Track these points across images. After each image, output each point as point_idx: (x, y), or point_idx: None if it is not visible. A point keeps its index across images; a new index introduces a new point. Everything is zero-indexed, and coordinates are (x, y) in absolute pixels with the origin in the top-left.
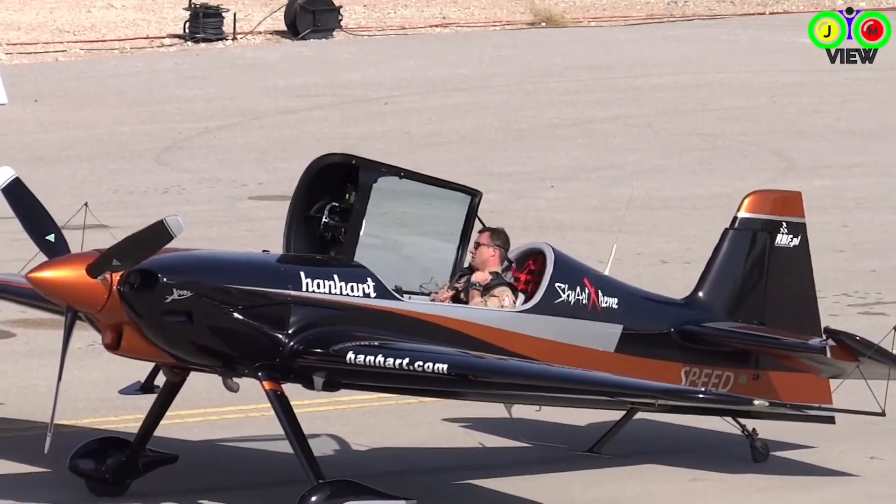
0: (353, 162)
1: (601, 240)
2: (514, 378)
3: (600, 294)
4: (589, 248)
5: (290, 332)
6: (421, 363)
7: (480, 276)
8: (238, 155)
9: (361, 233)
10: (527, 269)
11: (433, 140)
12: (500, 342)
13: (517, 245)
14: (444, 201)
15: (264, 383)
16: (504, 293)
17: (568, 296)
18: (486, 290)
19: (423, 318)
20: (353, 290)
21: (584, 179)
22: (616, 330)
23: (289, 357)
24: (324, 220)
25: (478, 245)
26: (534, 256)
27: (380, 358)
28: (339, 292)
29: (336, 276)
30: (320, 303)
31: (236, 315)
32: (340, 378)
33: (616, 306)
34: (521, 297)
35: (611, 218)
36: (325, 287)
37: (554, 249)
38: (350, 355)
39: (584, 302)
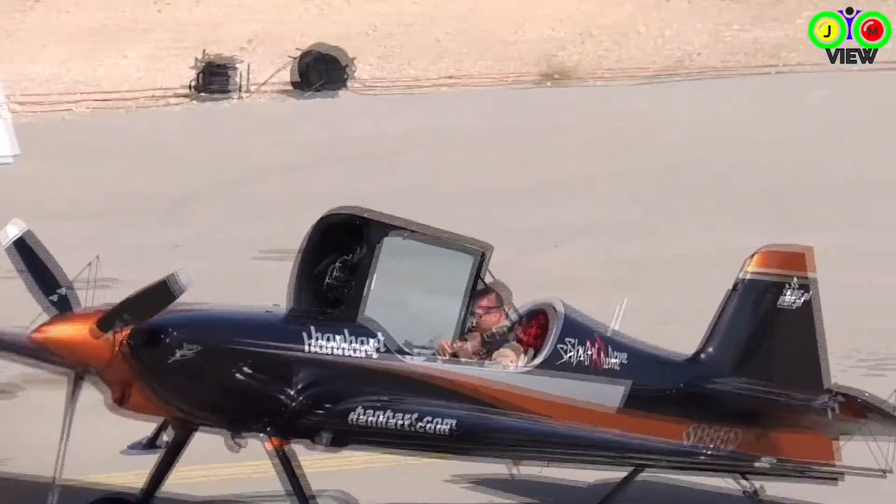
0: (362, 218)
1: (608, 296)
2: (519, 437)
3: (608, 351)
4: (596, 305)
5: (296, 389)
6: (427, 422)
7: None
8: (246, 210)
9: (368, 290)
10: (536, 324)
11: (442, 195)
12: (507, 400)
13: (525, 302)
14: (451, 258)
15: (271, 440)
16: (512, 352)
17: (575, 353)
18: (492, 344)
19: (430, 376)
20: (359, 348)
21: (593, 235)
22: (623, 387)
23: (294, 415)
24: (332, 275)
25: (481, 312)
26: (543, 312)
27: (385, 416)
28: (344, 350)
29: (342, 334)
30: (326, 361)
31: (242, 372)
32: (346, 436)
33: (623, 363)
34: (530, 352)
35: (618, 274)
36: (331, 345)
37: (564, 305)
38: (356, 414)
39: (592, 359)
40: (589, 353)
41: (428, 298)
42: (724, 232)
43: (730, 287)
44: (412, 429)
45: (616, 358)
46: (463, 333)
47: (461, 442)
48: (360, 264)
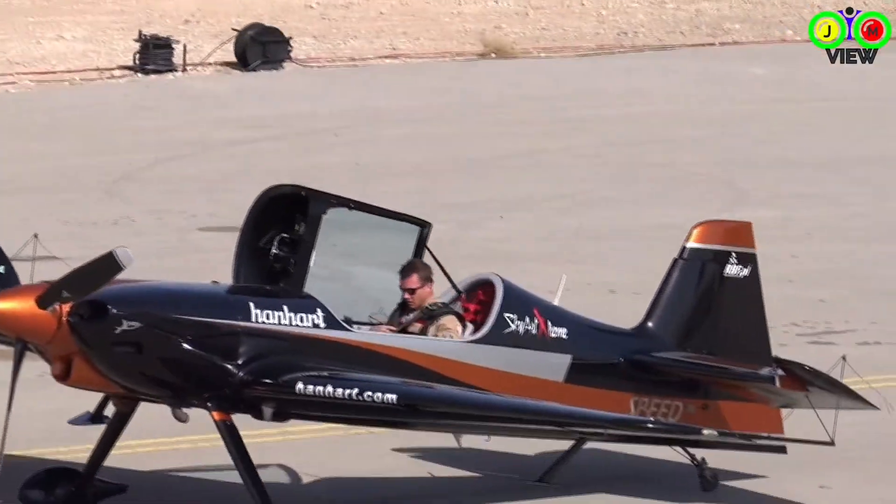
0: (303, 193)
1: (550, 270)
2: (462, 408)
3: (550, 324)
4: (538, 279)
5: (239, 362)
6: (370, 393)
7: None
8: (188, 186)
9: (311, 264)
10: (476, 299)
11: (383, 171)
12: (450, 372)
13: (466, 276)
14: (393, 232)
15: (214, 413)
16: (452, 323)
17: (517, 326)
18: (432, 317)
19: (373, 348)
20: (302, 321)
21: (534, 210)
22: (565, 360)
23: (238, 387)
24: (273, 251)
25: (411, 291)
26: (483, 287)
27: (329, 388)
28: (288, 323)
29: (285, 307)
30: (270, 333)
31: (186, 346)
32: (290, 408)
33: (565, 336)
34: (470, 326)
35: (560, 248)
36: (274, 318)
37: (503, 280)
38: (299, 385)
39: (534, 332)
40: (530, 326)
41: (371, 271)
42: (666, 206)
43: (675, 256)
44: (356, 400)
45: (558, 331)
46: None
47: (404, 413)
48: (303, 238)
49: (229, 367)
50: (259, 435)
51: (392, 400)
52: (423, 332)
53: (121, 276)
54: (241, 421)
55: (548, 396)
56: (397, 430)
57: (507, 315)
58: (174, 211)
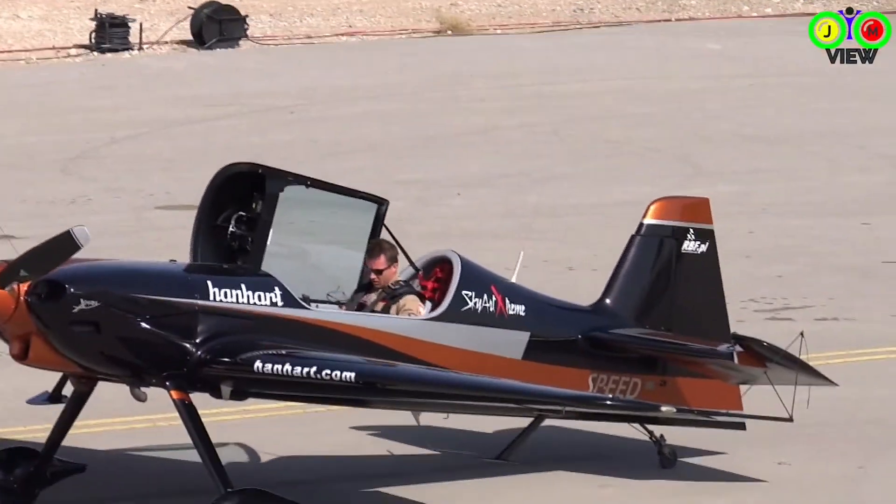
0: (260, 171)
1: (508, 247)
2: (421, 386)
3: (507, 301)
4: (495, 256)
5: (197, 341)
6: (328, 371)
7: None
8: (145, 165)
9: (268, 242)
10: (434, 276)
11: (340, 148)
12: (408, 350)
13: (423, 253)
14: (351, 210)
15: (172, 392)
16: (413, 303)
17: (475, 303)
18: (394, 296)
19: (331, 326)
20: (260, 300)
21: (491, 187)
22: (523, 337)
23: (196, 366)
24: (230, 229)
25: (378, 272)
26: (440, 264)
27: (287, 367)
28: (246, 301)
29: (243, 286)
30: (228, 312)
31: (144, 325)
32: (248, 387)
33: (523, 313)
34: (429, 304)
35: (517, 225)
36: (232, 296)
37: (460, 257)
38: (257, 364)
39: (491, 309)
40: (487, 303)
41: (329, 249)
42: (623, 183)
43: (632, 232)
44: (314, 378)
45: (516, 308)
46: (363, 290)
47: (363, 391)
48: (261, 216)
49: (187, 345)
50: (217, 413)
51: (350, 378)
52: (385, 311)
53: (78, 254)
54: (200, 400)
55: (506, 374)
56: (356, 409)
57: (464, 292)
58: (131, 189)
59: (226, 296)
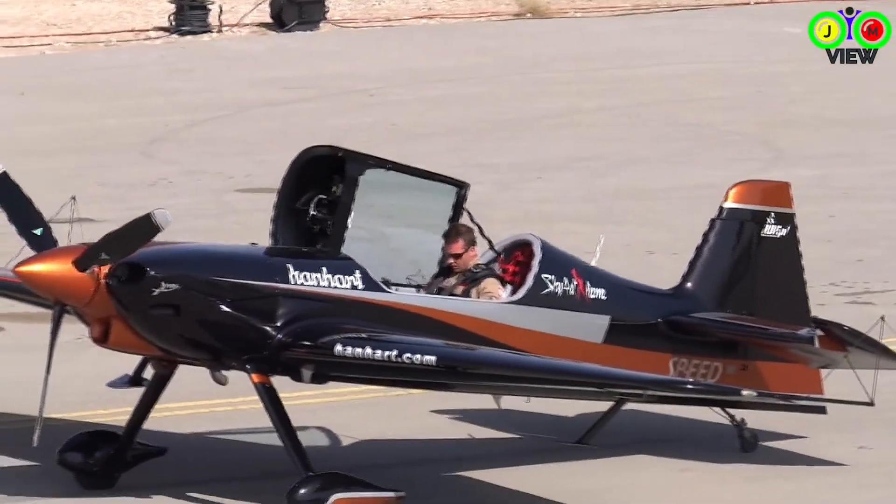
0: (340, 154)
1: (588, 231)
2: (502, 369)
3: (588, 285)
4: (576, 240)
5: (278, 324)
6: (409, 355)
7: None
8: (225, 147)
9: (348, 225)
10: (514, 260)
11: (419, 131)
12: (488, 333)
13: (504, 237)
14: (431, 193)
15: (253, 376)
16: (493, 286)
17: (556, 287)
18: (474, 280)
19: (411, 310)
20: (340, 283)
21: (571, 170)
22: (604, 321)
23: (277, 350)
24: (311, 212)
25: (456, 255)
26: (521, 248)
27: (368, 350)
28: (326, 284)
29: (324, 269)
30: (308, 295)
31: (224, 308)
32: (328, 370)
33: (603, 297)
34: (509, 288)
35: (597, 209)
36: (312, 279)
37: (541, 241)
38: (338, 347)
39: (572, 293)
40: (568, 287)
41: (409, 232)
42: (703, 167)
43: (713, 216)
44: (395, 362)
45: (596, 291)
46: (442, 273)
47: (444, 375)
48: (341, 199)
49: (268, 329)
50: (298, 397)
51: (431, 362)
52: (465, 294)
53: (158, 238)
54: (281, 383)
55: (587, 357)
56: (437, 392)
57: (545, 276)
58: (211, 172)
59: (306, 279)
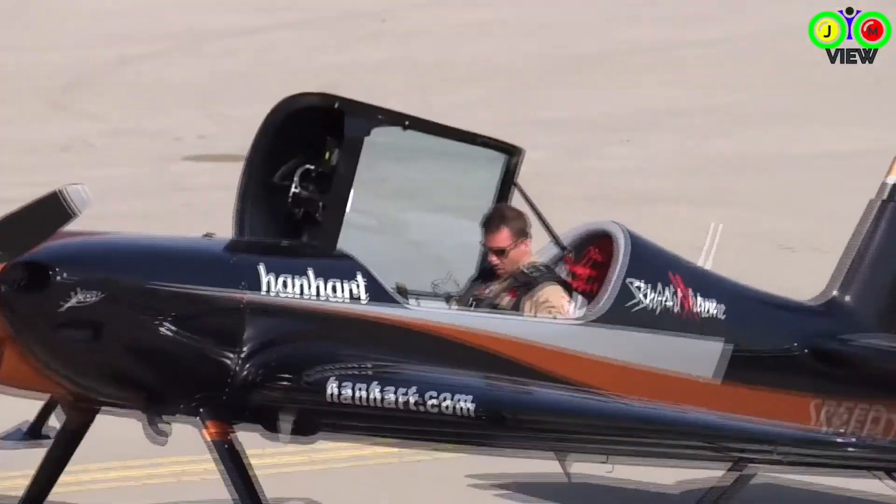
0: (336, 105)
1: (694, 217)
2: (572, 419)
3: (696, 296)
4: (676, 229)
5: (243, 352)
6: (435, 398)
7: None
8: (169, 96)
9: (348, 208)
10: (589, 259)
11: (450, 74)
12: (550, 366)
13: (573, 225)
14: (468, 162)
15: (207, 426)
16: (556, 296)
17: (649, 298)
18: (527, 287)
19: (437, 331)
20: (335, 292)
21: (667, 130)
22: (719, 347)
23: (242, 388)
24: (293, 189)
25: (500, 251)
26: (597, 242)
27: (374, 391)
28: (314, 294)
29: (311, 271)
30: (288, 310)
31: (166, 327)
32: (318, 420)
33: (719, 314)
34: (580, 299)
35: (706, 185)
36: (294, 287)
37: (627, 232)
38: (331, 387)
39: (672, 307)
40: (666, 298)
41: (436, 218)
42: (860, 125)
43: (873, 197)
44: (414, 409)
45: (708, 305)
46: (483, 277)
47: (486, 426)
48: (337, 170)
49: (229, 358)
50: (274, 457)
51: (468, 409)
52: (516, 307)
53: (72, 225)
54: (248, 438)
55: (694, 401)
56: (475, 452)
57: (632, 282)
58: (149, 131)
59: (285, 286)
